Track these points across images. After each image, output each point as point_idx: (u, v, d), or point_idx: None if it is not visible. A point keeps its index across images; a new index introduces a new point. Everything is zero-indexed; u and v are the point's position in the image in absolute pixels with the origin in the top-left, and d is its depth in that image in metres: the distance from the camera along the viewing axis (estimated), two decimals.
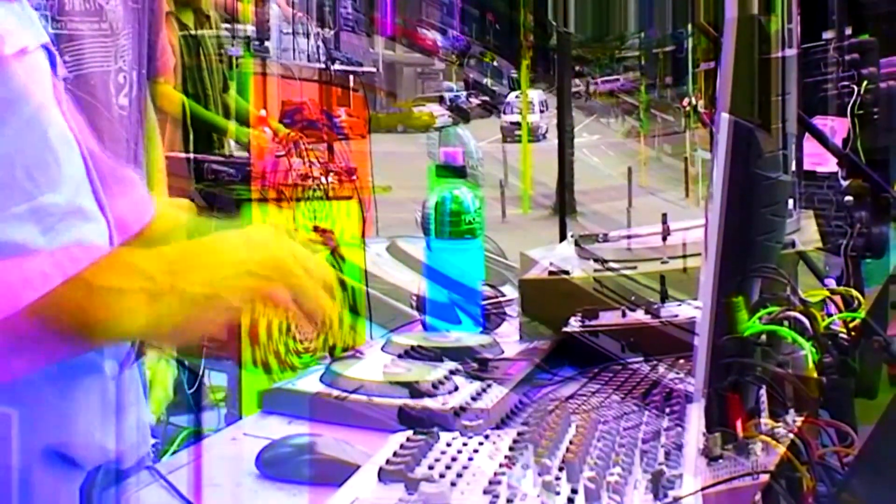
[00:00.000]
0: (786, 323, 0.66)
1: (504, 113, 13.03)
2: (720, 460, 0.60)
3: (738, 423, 0.61)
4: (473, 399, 0.77)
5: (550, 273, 0.99)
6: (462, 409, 0.75)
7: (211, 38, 2.43)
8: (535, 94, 12.26)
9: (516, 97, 12.07)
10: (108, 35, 0.92)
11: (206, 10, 2.45)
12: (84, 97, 0.81)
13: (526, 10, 9.84)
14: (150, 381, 0.99)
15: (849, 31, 1.46)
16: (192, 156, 2.25)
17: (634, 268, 1.00)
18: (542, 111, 12.59)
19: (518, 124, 11.52)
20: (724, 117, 0.65)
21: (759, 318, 0.66)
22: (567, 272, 0.99)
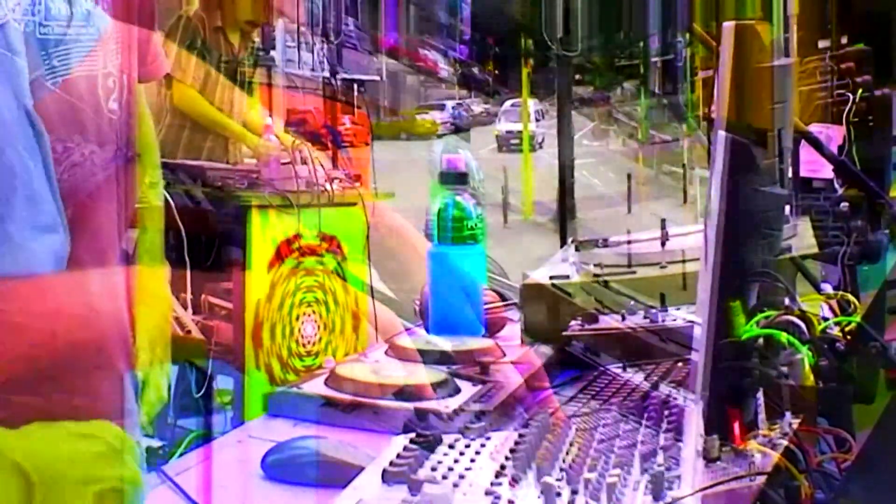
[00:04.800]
0: (784, 331, 0.67)
1: (499, 122, 12.63)
2: (718, 462, 0.61)
3: (737, 434, 0.62)
4: (475, 402, 0.78)
5: (552, 277, 1.00)
6: (464, 411, 0.76)
7: (249, 61, 2.47)
8: (531, 103, 12.06)
9: (512, 105, 11.93)
10: (96, 39, 0.93)
11: (252, 37, 2.49)
12: (73, 101, 0.83)
13: (525, 34, 9.87)
14: (142, 384, 1.00)
15: (844, 41, 1.48)
16: (202, 162, 2.27)
17: (634, 273, 1.01)
18: (537, 120, 12.32)
19: (512, 132, 11.37)
20: (721, 134, 0.66)
21: (757, 322, 0.67)
22: (567, 276, 1.00)
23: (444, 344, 0.94)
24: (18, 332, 0.67)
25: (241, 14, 2.42)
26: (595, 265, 1.05)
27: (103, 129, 0.86)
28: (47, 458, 0.59)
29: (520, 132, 10.98)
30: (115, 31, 0.96)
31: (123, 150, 0.92)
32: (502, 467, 0.62)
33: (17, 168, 0.69)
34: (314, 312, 2.11)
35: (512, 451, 0.65)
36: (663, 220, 1.09)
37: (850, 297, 0.76)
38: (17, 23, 0.74)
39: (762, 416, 0.66)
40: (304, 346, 2.08)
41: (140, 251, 1.04)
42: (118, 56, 0.93)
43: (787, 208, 0.84)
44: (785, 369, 0.67)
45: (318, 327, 2.12)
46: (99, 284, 0.79)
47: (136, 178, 1.02)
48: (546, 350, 0.93)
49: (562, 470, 0.62)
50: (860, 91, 1.27)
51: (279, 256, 2.07)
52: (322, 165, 2.15)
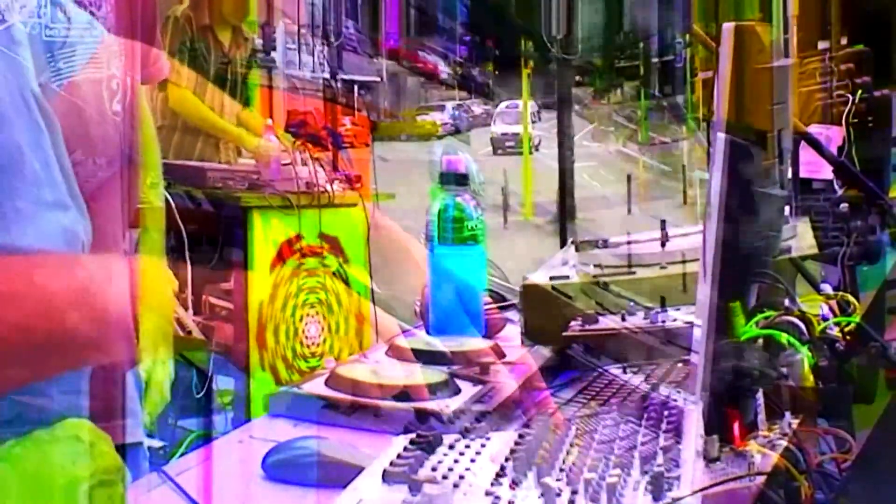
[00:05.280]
0: (784, 332, 0.67)
1: (494, 123, 11.78)
2: (718, 463, 0.61)
3: (737, 435, 0.62)
4: (475, 402, 0.78)
5: (551, 278, 1.00)
6: (464, 412, 0.76)
7: (243, 59, 2.44)
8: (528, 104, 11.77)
9: (507, 107, 11.74)
10: (100, 42, 0.94)
11: (247, 33, 2.47)
12: (77, 103, 0.83)
13: (526, 37, 9.83)
14: (145, 383, 1.01)
15: (844, 42, 1.48)
16: (202, 164, 2.28)
17: (633, 273, 1.01)
18: (533, 122, 11.22)
19: (507, 134, 11.15)
20: (721, 136, 0.66)
21: (756, 323, 0.67)
22: (567, 277, 1.00)
23: (444, 345, 0.94)
24: (16, 302, 0.66)
25: (227, 10, 2.39)
26: (595, 266, 1.05)
27: (106, 130, 0.87)
28: (31, 471, 0.59)
29: (515, 134, 10.85)
30: (118, 34, 0.97)
31: (126, 152, 0.93)
32: (502, 468, 0.62)
33: (24, 151, 0.69)
34: (317, 313, 2.12)
35: (512, 451, 0.65)
36: (663, 221, 1.10)
37: (850, 298, 0.76)
38: (24, 24, 0.74)
39: (762, 416, 0.66)
40: (308, 347, 2.08)
41: (142, 252, 1.04)
42: (121, 58, 0.94)
43: (787, 209, 0.84)
44: (784, 370, 0.67)
45: (322, 328, 2.12)
46: (102, 272, 0.79)
47: (138, 179, 1.02)
48: (546, 351, 0.93)
49: (562, 470, 0.62)
50: (860, 92, 1.27)
51: (281, 257, 2.08)
52: (322, 166, 2.16)
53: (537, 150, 11.11)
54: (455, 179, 1.05)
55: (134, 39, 1.03)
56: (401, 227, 2.30)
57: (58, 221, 0.70)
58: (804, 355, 0.67)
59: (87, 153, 0.82)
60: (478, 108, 13.65)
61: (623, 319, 0.93)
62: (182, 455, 0.88)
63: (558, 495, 0.58)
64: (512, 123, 11.31)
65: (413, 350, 0.92)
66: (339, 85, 3.54)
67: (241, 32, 2.46)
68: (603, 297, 0.96)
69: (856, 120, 1.28)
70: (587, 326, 0.93)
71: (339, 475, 0.65)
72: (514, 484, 0.60)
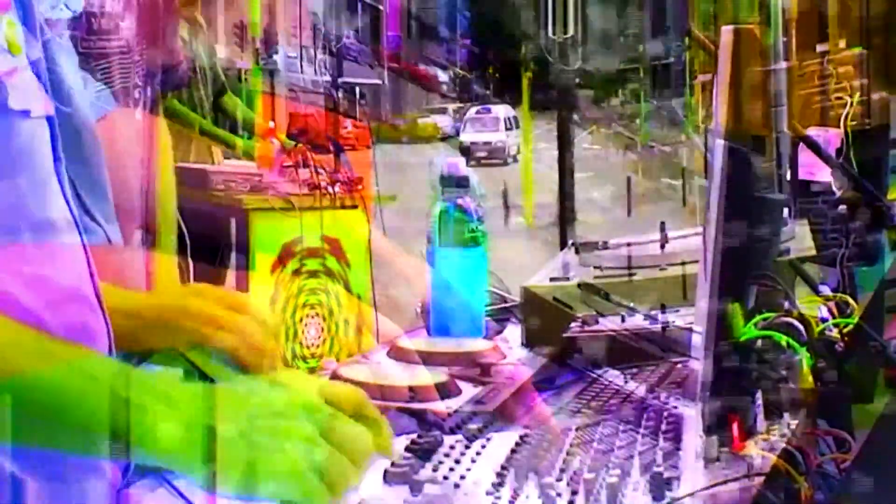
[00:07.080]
0: (783, 334, 0.67)
1: (464, 130, 10.24)
2: (718, 464, 0.62)
3: (736, 436, 0.62)
4: (476, 403, 0.79)
5: (552, 279, 1.01)
6: (465, 412, 0.76)
7: (203, 46, 2.42)
8: (501, 110, 9.86)
9: (477, 113, 10.97)
10: (126, 52, 0.95)
11: (198, 20, 2.44)
12: (108, 112, 0.84)
13: (525, 44, 9.69)
14: None
15: (842, 44, 1.49)
16: (204, 166, 2.28)
17: (633, 275, 1.01)
18: (508, 129, 9.82)
19: (478, 143, 10.32)
20: (720, 140, 0.66)
21: (755, 324, 0.68)
22: (567, 279, 1.00)
23: (445, 345, 0.94)
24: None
25: (178, 2, 2.35)
26: (595, 267, 1.05)
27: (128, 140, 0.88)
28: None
29: (487, 143, 10.16)
30: (140, 44, 0.98)
31: (147, 160, 0.94)
32: (503, 468, 0.63)
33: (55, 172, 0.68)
34: (317, 315, 2.12)
35: (513, 451, 0.65)
36: (662, 223, 1.10)
37: (849, 299, 0.77)
38: (59, 37, 0.74)
39: (761, 417, 0.66)
40: (307, 348, 2.08)
41: (157, 253, 1.05)
42: (143, 68, 0.94)
43: (786, 211, 0.84)
44: (784, 371, 0.67)
45: (322, 330, 2.12)
46: (126, 267, 0.79)
47: (155, 182, 1.03)
48: (546, 352, 0.93)
49: (562, 471, 0.62)
50: (858, 94, 1.27)
51: (282, 259, 2.08)
52: (324, 168, 2.16)
53: (515, 160, 9.71)
54: (455, 182, 1.05)
55: (156, 50, 1.04)
56: (404, 228, 2.30)
57: (97, 240, 0.70)
58: (803, 356, 0.68)
59: (111, 164, 0.83)
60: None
61: (623, 320, 0.94)
62: None
63: (559, 495, 0.59)
64: (484, 130, 10.44)
65: (414, 351, 0.92)
66: (340, 91, 3.53)
67: (195, 20, 2.42)
68: (602, 305, 0.96)
69: (854, 122, 1.29)
70: (587, 327, 0.93)
71: None
72: (515, 490, 0.60)
